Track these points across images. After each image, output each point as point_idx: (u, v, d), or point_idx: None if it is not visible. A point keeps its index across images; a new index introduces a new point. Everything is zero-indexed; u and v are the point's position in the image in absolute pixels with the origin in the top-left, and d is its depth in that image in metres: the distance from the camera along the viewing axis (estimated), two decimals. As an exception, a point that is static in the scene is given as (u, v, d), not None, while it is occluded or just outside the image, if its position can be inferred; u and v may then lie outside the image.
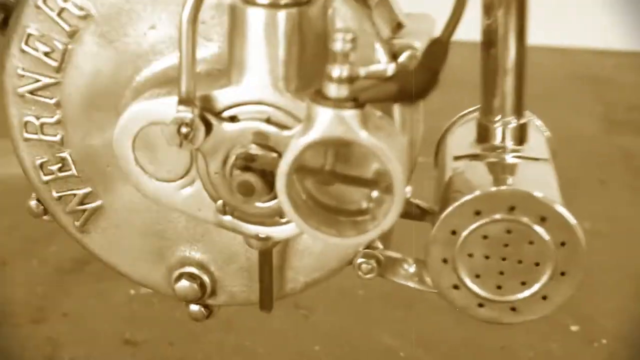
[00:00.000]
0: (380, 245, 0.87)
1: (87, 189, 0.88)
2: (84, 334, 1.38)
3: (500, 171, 0.84)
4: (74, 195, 0.89)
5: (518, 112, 0.86)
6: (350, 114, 0.73)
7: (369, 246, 0.86)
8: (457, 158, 0.87)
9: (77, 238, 0.90)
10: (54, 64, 0.84)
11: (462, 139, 0.90)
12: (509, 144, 0.86)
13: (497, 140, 0.86)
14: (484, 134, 0.87)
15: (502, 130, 0.86)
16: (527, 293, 0.81)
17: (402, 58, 0.79)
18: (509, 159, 0.85)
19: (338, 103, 0.73)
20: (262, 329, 1.37)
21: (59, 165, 0.88)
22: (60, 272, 1.50)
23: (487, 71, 0.86)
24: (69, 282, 1.49)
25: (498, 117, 0.86)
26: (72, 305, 1.44)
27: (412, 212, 0.90)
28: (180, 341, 1.36)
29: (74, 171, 0.88)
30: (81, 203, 0.89)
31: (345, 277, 0.89)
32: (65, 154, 0.87)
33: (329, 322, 1.40)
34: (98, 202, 0.88)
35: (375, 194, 0.76)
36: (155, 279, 0.90)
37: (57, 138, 0.87)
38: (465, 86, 1.14)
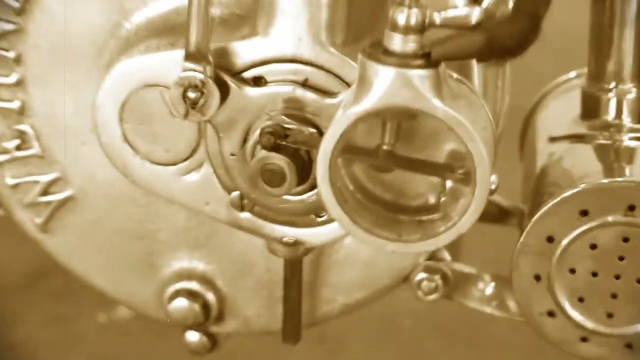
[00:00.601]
0: (447, 256, 0.88)
1: (54, 175, 0.89)
2: (38, 372, 1.39)
3: (614, 157, 0.85)
4: (36, 182, 0.89)
5: (639, 78, 0.87)
6: (420, 75, 0.72)
7: (433, 257, 0.87)
8: (553, 140, 0.88)
9: (38, 239, 0.91)
10: (15, 4, 0.85)
11: (559, 114, 0.91)
12: (627, 120, 0.87)
13: (611, 116, 0.87)
14: (592, 108, 0.88)
15: (617, 103, 0.87)
16: (648, 325, 0.82)
17: (487, 1, 0.77)
18: (627, 141, 0.85)
19: (404, 60, 0.72)
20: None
21: (17, 141, 0.88)
22: (8, 290, 1.50)
23: (597, 26, 0.86)
24: (20, 303, 1.48)
25: (612, 85, 0.87)
26: (22, 334, 1.43)
27: (488, 212, 0.90)
28: (165, 383, 1.37)
29: (36, 149, 0.88)
30: (45, 193, 0.89)
31: (386, 299, 0.90)
32: (25, 127, 0.88)
33: (364, 361, 1.42)
34: (68, 192, 0.89)
35: (448, 184, 0.76)
36: (142, 296, 0.91)
37: (16, 105, 0.87)
38: (552, 46, 1.14)
